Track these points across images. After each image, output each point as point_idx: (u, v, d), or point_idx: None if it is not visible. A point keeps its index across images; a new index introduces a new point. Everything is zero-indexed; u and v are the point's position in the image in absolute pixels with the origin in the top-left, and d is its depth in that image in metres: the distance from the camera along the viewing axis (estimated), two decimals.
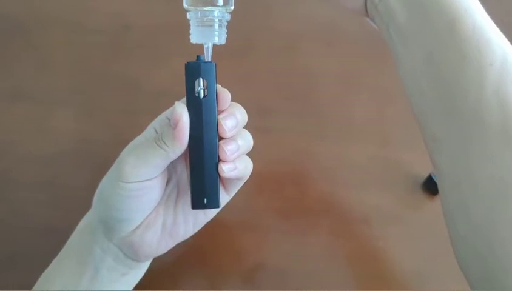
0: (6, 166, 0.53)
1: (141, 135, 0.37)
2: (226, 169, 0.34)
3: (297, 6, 0.61)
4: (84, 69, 0.58)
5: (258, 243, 0.49)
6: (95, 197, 0.38)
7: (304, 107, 0.55)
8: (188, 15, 0.35)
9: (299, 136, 0.53)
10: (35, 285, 0.39)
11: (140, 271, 0.40)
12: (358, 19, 0.59)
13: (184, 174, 0.39)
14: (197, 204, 0.34)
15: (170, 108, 0.37)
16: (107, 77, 0.57)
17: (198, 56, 0.34)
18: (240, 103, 0.54)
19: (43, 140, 0.54)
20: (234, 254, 0.49)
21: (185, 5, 0.34)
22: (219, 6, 0.34)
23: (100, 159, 0.54)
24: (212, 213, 0.38)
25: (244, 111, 0.36)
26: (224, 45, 0.59)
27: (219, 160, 0.34)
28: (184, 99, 0.34)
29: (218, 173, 0.34)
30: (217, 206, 0.35)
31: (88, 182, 0.53)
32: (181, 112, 0.33)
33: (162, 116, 0.37)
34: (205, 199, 0.34)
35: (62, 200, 0.51)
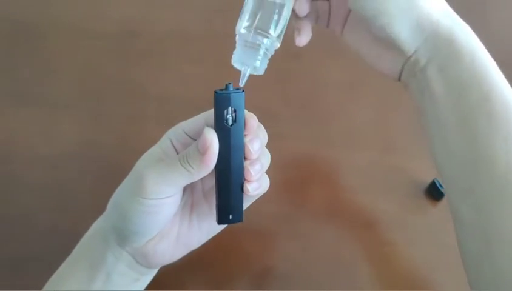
0: (12, 169, 0.54)
1: (156, 146, 0.37)
2: (251, 189, 0.35)
3: None
4: (91, 74, 0.59)
5: (265, 248, 0.49)
6: (110, 207, 0.38)
7: (308, 113, 0.55)
8: (237, 36, 0.35)
9: (304, 142, 0.54)
10: (44, 287, 0.39)
11: (150, 276, 0.40)
12: None
13: (198, 184, 0.39)
14: (223, 219, 0.36)
15: (188, 121, 0.38)
16: (114, 82, 0.58)
17: (226, 85, 0.34)
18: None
19: (49, 144, 0.55)
20: (240, 259, 0.49)
21: (239, 29, 0.35)
22: (271, 37, 0.35)
23: (105, 164, 0.55)
24: None
25: (265, 131, 0.37)
26: (229, 50, 0.60)
27: (245, 179, 0.35)
28: (207, 118, 0.36)
29: (243, 192, 0.35)
30: (241, 220, 0.36)
31: (93, 185, 0.54)
32: (212, 140, 0.33)
33: (179, 129, 0.37)
34: (230, 215, 0.36)
35: (67, 203, 0.52)
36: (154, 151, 0.37)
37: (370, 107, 0.55)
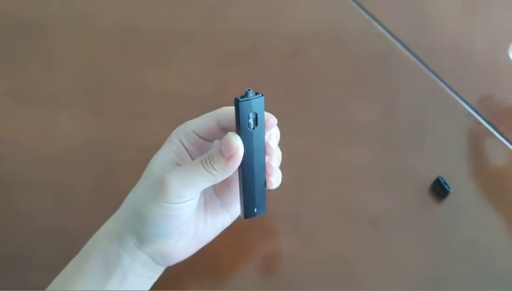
0: (13, 167, 0.54)
1: (167, 148, 0.38)
2: (274, 181, 0.38)
3: (304, 11, 0.61)
4: (91, 71, 0.58)
5: (266, 246, 0.49)
6: (125, 209, 0.38)
7: (310, 110, 0.55)
8: None
9: (306, 139, 0.53)
10: (49, 286, 0.39)
11: (161, 272, 0.41)
12: (364, 24, 0.59)
13: None
14: (249, 213, 0.39)
15: (196, 121, 0.38)
16: (114, 79, 0.58)
17: (246, 91, 0.35)
18: None
19: (50, 141, 0.54)
20: (241, 257, 0.49)
21: None
22: None
23: (106, 161, 0.55)
24: (237, 214, 0.41)
25: (277, 127, 0.39)
26: (231, 47, 0.60)
27: (267, 174, 0.38)
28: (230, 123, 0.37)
29: (267, 186, 0.38)
30: (265, 211, 0.39)
31: (94, 184, 0.54)
32: (238, 146, 0.35)
33: (188, 129, 0.38)
34: (255, 209, 0.38)
35: (68, 202, 0.51)
36: (166, 152, 0.38)
37: (373, 105, 0.55)
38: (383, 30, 0.59)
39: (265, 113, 0.36)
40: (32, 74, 0.58)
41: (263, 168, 0.37)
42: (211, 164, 0.35)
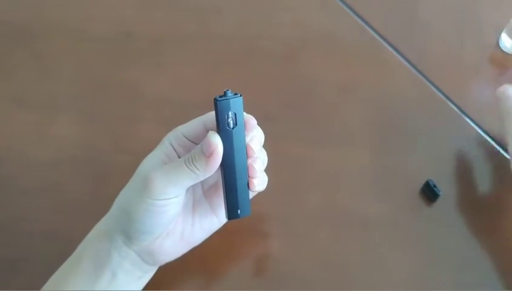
0: (9, 172, 0.54)
1: (158, 149, 0.40)
2: (256, 184, 0.38)
3: (297, 14, 0.61)
4: (86, 76, 0.59)
5: (260, 249, 0.50)
6: (115, 210, 0.40)
7: (303, 114, 0.55)
8: None
9: (298, 143, 0.54)
10: (44, 286, 0.40)
11: (151, 273, 0.42)
12: (355, 28, 0.60)
13: (198, 184, 0.41)
14: (231, 214, 0.39)
15: (186, 125, 0.40)
16: (109, 84, 0.58)
17: (225, 92, 0.37)
18: None
19: (45, 146, 0.55)
20: (233, 259, 0.49)
21: None
22: None
23: (101, 166, 0.55)
24: (224, 218, 0.42)
25: (261, 130, 0.40)
26: (224, 51, 0.60)
27: (249, 176, 0.39)
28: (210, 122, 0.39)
29: (249, 188, 0.39)
30: (249, 213, 0.40)
31: (90, 188, 0.54)
32: (216, 144, 0.36)
33: (178, 133, 0.40)
34: (238, 210, 0.39)
35: (64, 206, 0.52)
36: (156, 154, 0.39)
37: (365, 109, 0.55)
38: (374, 34, 0.59)
39: (245, 114, 0.37)
40: (27, 79, 0.59)
41: (245, 169, 0.38)
42: (193, 163, 0.36)
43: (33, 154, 0.54)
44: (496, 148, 0.53)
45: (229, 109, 0.36)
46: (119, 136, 0.55)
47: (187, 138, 0.39)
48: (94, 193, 0.52)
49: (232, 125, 0.37)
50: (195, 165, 0.36)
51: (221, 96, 0.36)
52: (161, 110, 0.56)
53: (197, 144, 0.39)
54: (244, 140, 0.38)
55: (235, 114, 0.37)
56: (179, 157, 0.39)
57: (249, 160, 0.38)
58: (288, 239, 0.50)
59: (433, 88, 0.56)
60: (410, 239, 0.49)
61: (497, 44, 0.58)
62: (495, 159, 0.52)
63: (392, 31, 0.59)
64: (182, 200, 0.38)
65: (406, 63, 0.57)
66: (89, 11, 0.62)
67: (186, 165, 0.36)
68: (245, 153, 0.38)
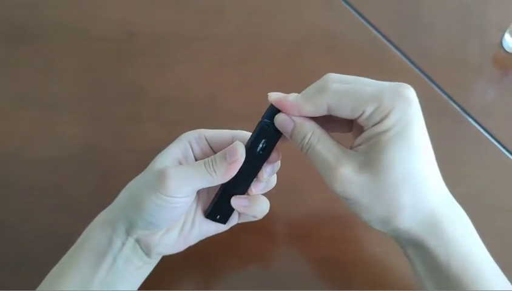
0: (13, 171, 0.54)
1: (175, 146, 0.40)
2: (236, 204, 0.40)
3: (299, 14, 0.61)
4: (90, 76, 0.59)
5: (261, 248, 0.50)
6: (122, 197, 0.40)
7: None
8: None
9: None
10: (46, 278, 0.40)
11: (150, 266, 0.42)
12: (359, 28, 0.60)
13: (205, 188, 0.41)
14: (211, 215, 0.41)
15: (212, 131, 0.41)
16: (113, 83, 0.58)
17: (273, 122, 0.37)
18: (241, 109, 0.55)
19: (49, 146, 0.55)
20: (235, 258, 0.49)
21: None
22: None
23: (105, 165, 0.55)
24: (223, 228, 0.43)
25: (279, 164, 0.41)
26: (227, 51, 0.60)
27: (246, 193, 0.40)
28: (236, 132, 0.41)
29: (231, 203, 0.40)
30: (224, 223, 0.42)
31: (93, 187, 0.54)
32: (241, 154, 0.37)
33: (201, 134, 0.41)
34: (218, 216, 0.41)
35: (67, 205, 0.52)
36: (172, 150, 0.40)
37: None
38: (378, 35, 0.59)
39: (275, 151, 0.39)
40: (31, 78, 0.59)
41: (245, 189, 0.40)
42: (213, 166, 0.37)
43: (37, 154, 0.55)
44: (499, 149, 0.53)
45: (266, 137, 0.37)
46: (122, 136, 0.55)
47: (208, 142, 0.40)
48: (97, 192, 0.52)
49: (259, 150, 0.38)
50: (213, 169, 0.37)
51: (267, 122, 0.37)
52: (164, 109, 0.56)
53: (215, 152, 0.40)
54: (259, 169, 0.39)
55: (268, 143, 0.38)
56: (195, 158, 0.40)
57: (253, 184, 0.40)
58: (291, 237, 0.50)
59: (436, 88, 0.56)
60: None
61: (501, 44, 0.58)
62: (498, 160, 0.52)
63: (395, 32, 0.59)
64: (192, 200, 0.39)
65: (409, 63, 0.57)
66: (92, 11, 0.62)
67: (205, 167, 0.37)
68: (253, 178, 0.39)
